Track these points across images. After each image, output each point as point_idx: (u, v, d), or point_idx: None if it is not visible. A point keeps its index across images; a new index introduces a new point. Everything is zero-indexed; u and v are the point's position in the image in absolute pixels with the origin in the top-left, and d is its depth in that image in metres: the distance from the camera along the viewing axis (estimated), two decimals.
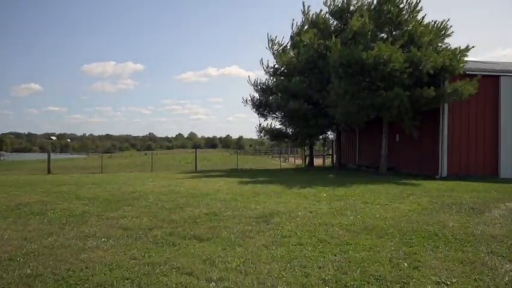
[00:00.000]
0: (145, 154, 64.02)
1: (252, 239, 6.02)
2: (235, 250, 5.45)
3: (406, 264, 4.84)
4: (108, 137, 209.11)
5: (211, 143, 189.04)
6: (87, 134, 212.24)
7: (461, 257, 5.12)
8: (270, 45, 22.77)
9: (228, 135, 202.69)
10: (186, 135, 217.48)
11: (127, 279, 4.39)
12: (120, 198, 10.02)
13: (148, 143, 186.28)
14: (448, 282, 4.27)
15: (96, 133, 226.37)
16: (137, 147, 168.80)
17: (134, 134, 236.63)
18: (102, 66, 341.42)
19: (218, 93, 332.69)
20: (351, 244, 5.70)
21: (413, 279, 4.35)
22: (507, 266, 4.79)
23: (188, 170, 22.30)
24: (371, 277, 4.42)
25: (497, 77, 16.24)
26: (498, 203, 9.17)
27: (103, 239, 6.05)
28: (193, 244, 5.79)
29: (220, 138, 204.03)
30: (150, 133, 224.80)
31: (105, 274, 4.54)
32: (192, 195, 10.43)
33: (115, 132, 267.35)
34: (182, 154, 56.06)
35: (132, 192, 11.31)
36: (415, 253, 5.27)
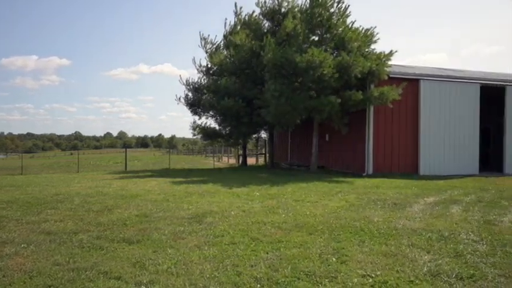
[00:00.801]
0: (71, 154, 60.89)
1: (184, 240, 5.93)
2: (166, 252, 5.34)
3: (334, 259, 5.01)
4: (29, 136, 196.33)
5: (143, 143, 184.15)
6: (5, 133, 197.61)
7: (384, 250, 5.40)
8: (203, 44, 22.60)
9: (160, 135, 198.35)
10: (115, 134, 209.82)
11: (49, 287, 4.13)
12: (43, 201, 9.43)
13: (75, 143, 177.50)
14: (373, 275, 4.48)
15: (16, 132, 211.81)
16: (62, 147, 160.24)
17: (59, 133, 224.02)
18: (23, 60, 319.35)
19: (150, 91, 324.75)
20: (283, 242, 5.80)
21: (341, 273, 4.52)
22: (425, 257, 5.12)
23: (117, 171, 21.52)
24: (301, 273, 4.53)
25: (417, 80, 17.35)
26: (418, 198, 9.80)
27: (23, 245, 5.65)
28: (122, 247, 5.58)
29: (152, 138, 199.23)
30: (76, 132, 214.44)
31: (24, 282, 4.25)
32: (121, 197, 10.07)
33: (37, 131, 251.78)
34: (111, 154, 54.06)
35: (56, 194, 10.70)
36: (343, 248, 5.47)
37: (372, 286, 4.20)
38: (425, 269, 4.66)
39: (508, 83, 18.67)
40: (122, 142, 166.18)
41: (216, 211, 8.04)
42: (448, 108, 17.55)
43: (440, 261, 4.93)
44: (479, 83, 18.10)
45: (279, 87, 16.14)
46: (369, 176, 16.03)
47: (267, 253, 5.27)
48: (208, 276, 4.46)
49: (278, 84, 16.20)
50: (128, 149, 27.13)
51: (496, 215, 7.72)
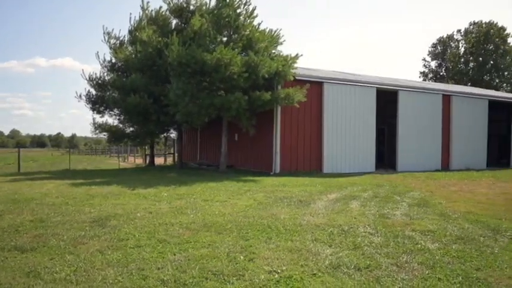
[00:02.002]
0: None
1: (85, 245, 5.58)
2: (65, 258, 4.98)
3: (242, 257, 5.06)
4: None
5: (39, 142, 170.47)
6: None
7: (290, 246, 5.58)
8: (107, 39, 21.50)
9: (59, 133, 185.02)
10: (7, 132, 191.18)
11: None
12: None
13: None
14: (279, 270, 4.60)
15: None
16: None
17: None
18: None
19: (48, 87, 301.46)
20: (191, 242, 5.72)
21: (249, 271, 4.57)
22: (327, 250, 5.38)
23: (10, 172, 19.66)
24: (209, 273, 4.50)
25: (321, 83, 18.25)
26: (321, 195, 10.29)
27: None
28: (14, 256, 5.10)
29: (50, 137, 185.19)
30: None
31: None
32: (13, 201, 9.20)
33: None
34: (2, 154, 49.38)
35: None
36: (251, 246, 5.55)
37: (277, 281, 4.30)
38: (327, 262, 4.90)
39: (400, 88, 20.42)
40: (15, 141, 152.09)
41: (120, 214, 7.69)
42: (349, 110, 18.70)
43: (340, 254, 5.22)
44: (376, 86, 19.55)
45: (183, 86, 15.93)
46: (276, 175, 16.49)
47: (175, 254, 5.17)
48: (111, 281, 4.24)
49: (183, 83, 15.99)
50: (21, 149, 24.88)
51: (390, 209, 8.38)
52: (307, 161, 18.08)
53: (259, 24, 17.53)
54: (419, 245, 5.67)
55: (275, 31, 17.51)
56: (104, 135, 23.42)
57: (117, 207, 8.38)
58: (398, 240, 5.90)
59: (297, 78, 17.25)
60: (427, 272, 4.61)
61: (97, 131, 22.27)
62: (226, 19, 16.85)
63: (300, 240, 5.85)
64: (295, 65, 17.15)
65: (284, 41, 17.76)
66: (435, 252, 5.37)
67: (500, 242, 5.94)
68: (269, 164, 17.56)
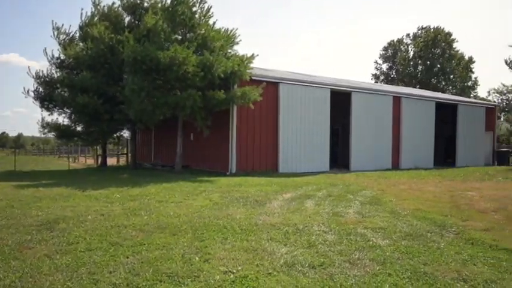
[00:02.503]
0: None
1: (31, 250, 5.33)
2: (9, 264, 4.74)
3: (197, 258, 5.01)
4: None
5: None
6: None
7: (246, 245, 5.58)
8: (56, 34, 20.64)
9: (3, 133, 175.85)
10: None
11: None
12: None
13: None
14: (234, 271, 4.59)
15: None
16: None
17: None
18: None
19: None
20: (145, 244, 5.60)
21: (204, 272, 4.53)
22: (283, 249, 5.43)
23: None
24: (163, 275, 4.42)
25: (277, 83, 18.42)
26: (277, 195, 10.37)
27: None
28: None
29: None
30: None
31: None
32: None
33: None
34: None
35: None
36: (206, 246, 5.51)
37: (233, 282, 4.29)
38: (282, 261, 4.94)
39: (353, 89, 20.97)
40: None
41: (70, 216, 7.41)
42: (304, 110, 18.99)
43: (295, 253, 5.28)
44: (330, 88, 19.97)
45: (139, 83, 15.60)
46: (232, 175, 16.47)
47: (127, 257, 5.04)
48: (60, 287, 4.08)
49: (138, 80, 15.66)
50: None
51: (343, 208, 8.57)
52: (263, 160, 18.19)
53: (214, 23, 17.47)
54: (371, 242, 5.84)
55: (231, 30, 17.52)
56: (53, 134, 22.47)
57: (67, 210, 8.07)
58: (351, 238, 6.05)
59: (253, 78, 17.31)
60: (378, 268, 4.75)
61: (45, 130, 21.34)
62: (182, 17, 16.65)
63: (256, 240, 5.87)
64: (251, 65, 17.21)
65: (240, 40, 17.83)
66: (386, 248, 5.55)
67: (446, 238, 6.22)
68: (225, 164, 17.52)
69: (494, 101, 44.77)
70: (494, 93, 53.34)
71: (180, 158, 18.07)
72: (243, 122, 17.63)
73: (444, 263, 4.98)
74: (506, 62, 29.64)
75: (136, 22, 19.58)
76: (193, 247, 5.48)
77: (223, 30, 17.37)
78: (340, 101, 20.87)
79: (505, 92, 51.77)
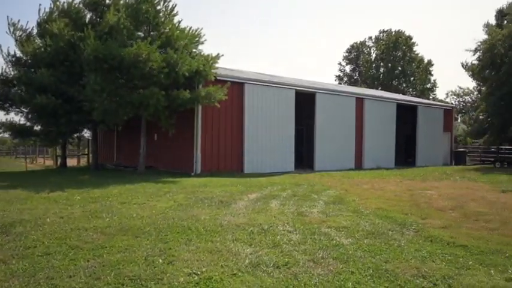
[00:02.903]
0: None
1: None
2: None
3: (161, 260, 4.93)
4: None
5: None
6: None
7: (210, 247, 5.54)
8: (12, 30, 19.78)
9: None
10: None
11: None
12: None
13: None
14: (199, 272, 4.54)
15: None
16: None
17: None
18: None
19: None
20: (106, 247, 5.46)
21: (167, 274, 4.46)
22: (247, 250, 5.42)
23: None
24: (126, 278, 4.32)
25: (242, 83, 18.42)
26: (242, 195, 10.36)
27: None
28: None
29: None
30: None
31: None
32: None
33: None
34: None
35: None
36: (170, 248, 5.43)
37: (197, 283, 4.25)
38: (247, 261, 4.93)
39: (317, 90, 21.25)
40: None
41: (27, 219, 7.12)
42: (269, 110, 19.08)
43: (260, 253, 5.28)
44: (295, 88, 20.16)
45: (100, 82, 15.21)
46: (197, 176, 16.33)
47: (88, 261, 4.89)
48: None
49: (100, 79, 15.27)
50: None
51: (307, 207, 8.66)
52: (228, 161, 18.14)
53: (179, 22, 17.26)
54: (335, 241, 5.92)
55: (196, 30, 17.36)
56: (9, 134, 21.55)
57: (24, 213, 7.76)
58: (315, 237, 6.11)
59: (218, 78, 17.24)
60: (341, 267, 4.82)
61: (0, 130, 20.45)
62: (145, 15, 16.37)
63: (221, 241, 5.83)
64: (216, 65, 17.13)
65: (205, 40, 17.68)
66: (349, 247, 5.64)
67: (406, 236, 6.39)
68: (190, 164, 17.35)
69: (452, 103, 46.51)
70: (451, 95, 55.56)
71: (144, 158, 17.76)
72: (208, 122, 17.52)
73: (404, 260, 5.11)
74: (462, 65, 30.83)
75: (98, 19, 19.04)
76: (157, 249, 5.38)
77: (188, 29, 17.19)
78: (305, 101, 21.12)
79: (462, 94, 53.95)
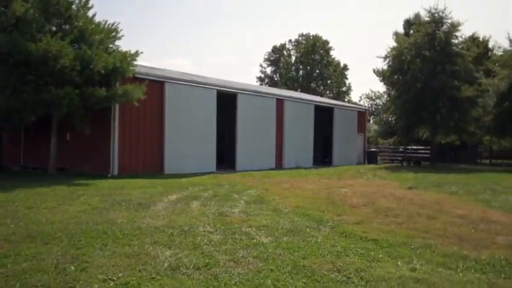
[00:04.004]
0: None
1: None
2: None
3: (73, 267, 4.64)
4: None
5: None
6: None
7: (127, 251, 5.32)
8: None
9: None
10: None
11: None
12: None
13: None
14: (115, 278, 4.35)
15: None
16: None
17: None
18: None
19: None
20: (11, 256, 5.03)
21: (80, 281, 4.22)
22: (167, 252, 5.29)
23: None
24: None
25: (163, 82, 17.99)
26: (162, 196, 10.11)
27: None
28: None
29: None
30: None
31: None
32: None
33: None
34: None
35: None
36: (84, 254, 5.14)
37: None
38: (166, 264, 4.81)
39: (238, 91, 21.41)
40: None
41: None
42: (191, 110, 18.83)
43: (180, 255, 5.18)
44: (217, 88, 20.13)
45: (3, 79, 13.99)
46: (114, 177, 15.65)
47: None
48: None
49: (5, 76, 14.04)
50: None
51: (229, 207, 8.68)
52: (148, 162, 17.62)
53: (93, 15, 16.42)
54: (255, 240, 5.99)
55: (112, 24, 16.60)
56: None
57: None
58: (236, 237, 6.14)
59: (137, 76, 16.66)
60: (261, 265, 4.88)
61: None
62: (56, 7, 15.35)
63: (139, 244, 5.64)
64: (135, 63, 16.55)
65: (123, 35, 16.96)
66: (268, 245, 5.74)
67: (322, 232, 6.64)
68: (106, 165, 16.56)
69: (365, 106, 49.35)
70: (365, 98, 58.92)
71: (55, 159, 16.65)
72: (126, 121, 16.87)
73: (321, 256, 5.31)
74: (374, 70, 32.86)
75: (3, 9, 17.53)
76: (69, 256, 5.06)
77: (103, 23, 16.40)
78: (227, 102, 21.17)
79: (374, 97, 57.45)
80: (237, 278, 4.44)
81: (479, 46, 31.72)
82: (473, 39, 33.75)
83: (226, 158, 23.35)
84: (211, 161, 19.73)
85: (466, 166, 25.83)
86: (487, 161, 32.86)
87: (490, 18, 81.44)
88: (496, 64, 27.36)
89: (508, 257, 5.43)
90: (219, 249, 5.50)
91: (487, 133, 27.48)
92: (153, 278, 4.40)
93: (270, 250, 5.49)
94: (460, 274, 4.77)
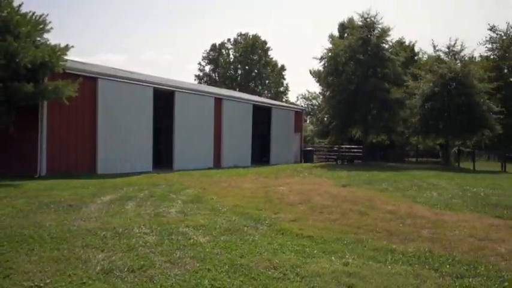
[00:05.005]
0: None
1: None
2: None
3: None
4: None
5: None
6: None
7: (56, 255, 5.05)
8: None
9: None
10: None
11: None
12: None
13: None
14: (42, 284, 4.12)
15: None
16: None
17: None
18: None
19: None
20: None
21: None
22: (99, 256, 5.09)
23: None
24: None
25: (96, 79, 17.25)
26: (95, 197, 9.70)
27: None
28: None
29: None
30: None
31: None
32: None
33: None
34: None
35: None
36: (7, 260, 4.82)
37: None
38: (98, 268, 4.63)
39: (176, 89, 21.06)
40: None
41: None
42: (126, 108, 18.21)
43: (113, 258, 5.00)
44: (154, 86, 19.65)
45: None
46: (42, 178, 14.76)
47: None
48: None
49: None
50: None
51: (165, 207, 8.51)
52: (79, 162, 16.82)
53: (20, 5, 15.35)
54: (192, 240, 5.92)
55: (40, 16, 15.59)
56: None
57: None
58: (173, 238, 6.03)
59: (67, 71, 15.79)
60: (198, 265, 4.84)
61: None
62: None
63: (69, 248, 5.37)
64: (66, 58, 15.71)
65: (52, 28, 15.95)
66: (206, 245, 5.70)
67: (260, 230, 6.71)
68: (33, 165, 15.57)
69: (302, 106, 50.52)
70: (301, 98, 60.33)
71: None
72: (55, 119, 15.97)
73: (258, 254, 5.35)
74: (310, 71, 33.70)
75: None
76: None
77: (30, 14, 15.39)
78: (164, 100, 20.75)
79: (310, 98, 58.99)
80: (174, 279, 4.37)
81: (406, 50, 33.59)
82: (400, 43, 35.72)
83: (163, 158, 22.89)
84: (147, 161, 19.23)
85: (394, 164, 27.26)
86: (414, 160, 34.92)
87: (415, 24, 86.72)
88: (420, 68, 29.07)
89: (432, 249, 5.79)
90: (155, 250, 5.37)
91: (413, 133, 29.15)
92: (84, 282, 4.22)
93: (207, 250, 5.45)
94: (389, 266, 5.02)
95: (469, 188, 12.38)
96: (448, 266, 5.07)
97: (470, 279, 4.64)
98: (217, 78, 59.76)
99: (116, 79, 18.17)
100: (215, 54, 60.03)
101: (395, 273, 4.77)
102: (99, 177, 15.07)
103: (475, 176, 17.24)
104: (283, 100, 57.08)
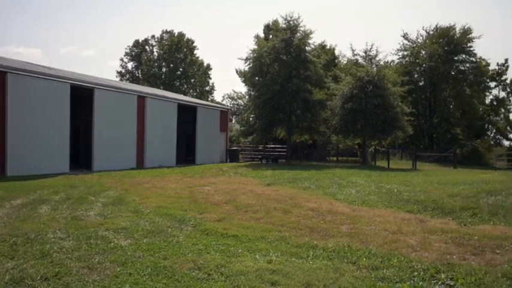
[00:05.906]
0: None
1: None
2: None
3: None
4: None
5: None
6: None
7: None
8: None
9: None
10: None
11: None
12: None
13: None
14: None
15: None
16: None
17: None
18: None
19: None
20: None
21: None
22: (9, 264, 4.71)
23: None
24: None
25: (5, 73, 15.93)
26: (4, 201, 8.97)
27: None
28: None
29: None
30: None
31: None
32: None
33: None
34: None
35: None
36: None
37: None
38: (7, 278, 4.29)
39: (96, 86, 20.07)
40: None
41: None
42: (40, 106, 17.02)
43: (25, 266, 4.66)
44: (71, 82, 18.56)
45: None
46: None
47: None
48: None
49: None
50: None
51: (84, 210, 8.09)
52: None
53: None
54: (112, 244, 5.68)
55: None
56: None
57: None
58: (91, 242, 5.74)
59: None
60: (118, 270, 4.65)
61: None
62: None
63: None
64: None
65: None
66: (127, 248, 5.49)
67: (184, 231, 6.61)
68: None
69: (228, 105, 50.65)
70: (227, 98, 60.45)
71: None
72: None
73: (182, 255, 5.27)
74: (236, 71, 33.88)
75: None
76: None
77: None
78: (83, 97, 19.72)
79: (236, 97, 59.32)
80: (92, 286, 4.17)
81: (327, 53, 35.00)
82: (322, 46, 37.16)
83: (82, 158, 21.75)
84: (63, 161, 18.12)
85: (317, 163, 28.27)
86: (335, 158, 36.43)
87: (335, 28, 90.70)
88: (340, 70, 30.49)
89: (350, 243, 6.08)
90: (72, 256, 5.08)
91: (334, 133, 30.43)
92: None
93: (128, 253, 5.26)
94: (311, 262, 5.18)
95: (384, 185, 13.15)
96: (364, 259, 5.35)
97: (384, 271, 4.93)
98: (140, 75, 57.96)
99: (28, 74, 16.90)
100: (138, 50, 58.16)
101: (316, 268, 4.93)
102: (9, 180, 13.95)
103: (390, 174, 18.37)
104: (209, 99, 56.84)
